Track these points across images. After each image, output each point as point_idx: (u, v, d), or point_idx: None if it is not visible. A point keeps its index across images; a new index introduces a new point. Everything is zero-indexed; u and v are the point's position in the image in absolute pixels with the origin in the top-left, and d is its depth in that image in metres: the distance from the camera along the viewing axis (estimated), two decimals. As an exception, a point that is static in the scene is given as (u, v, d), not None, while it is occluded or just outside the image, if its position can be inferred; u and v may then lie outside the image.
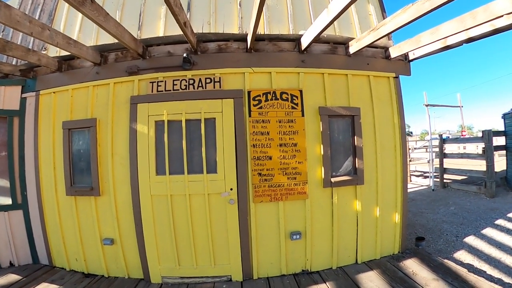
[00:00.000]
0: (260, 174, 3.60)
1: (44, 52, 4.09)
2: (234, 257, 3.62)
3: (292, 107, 3.68)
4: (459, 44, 3.55)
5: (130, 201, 3.66)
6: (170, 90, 3.67)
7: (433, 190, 8.99)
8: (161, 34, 3.96)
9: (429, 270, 3.48)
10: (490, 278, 3.53)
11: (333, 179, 3.69)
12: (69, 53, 3.62)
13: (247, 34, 3.57)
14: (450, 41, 3.52)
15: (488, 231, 5.10)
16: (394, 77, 4.10)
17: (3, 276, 3.75)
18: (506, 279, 3.52)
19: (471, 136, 25.41)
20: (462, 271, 3.41)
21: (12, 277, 3.73)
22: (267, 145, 3.62)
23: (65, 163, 3.87)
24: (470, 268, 3.80)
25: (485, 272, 3.72)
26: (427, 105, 11.73)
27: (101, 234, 3.80)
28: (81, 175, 3.89)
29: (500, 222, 5.53)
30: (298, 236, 3.62)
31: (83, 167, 3.88)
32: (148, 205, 3.61)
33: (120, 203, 3.73)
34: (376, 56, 4.08)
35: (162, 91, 3.68)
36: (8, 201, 4.10)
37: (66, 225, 3.95)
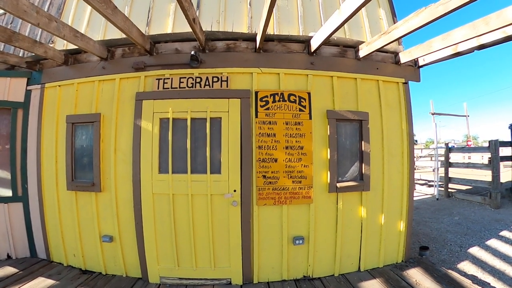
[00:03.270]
0: (264, 176, 3.55)
1: (51, 45, 4.07)
2: (234, 260, 3.56)
3: (300, 110, 3.63)
4: (471, 51, 3.51)
5: (131, 198, 3.61)
6: (176, 88, 3.64)
7: (437, 199, 8.92)
8: (169, 31, 3.96)
9: (432, 281, 3.42)
10: (495, 291, 3.47)
11: (338, 184, 3.63)
12: (76, 47, 3.62)
13: (257, 34, 3.54)
14: (462, 47, 3.47)
15: (493, 242, 5.04)
16: (404, 83, 4.04)
17: (0, 268, 3.74)
18: (511, 292, 3.45)
19: (477, 146, 25.29)
20: (466, 283, 3.36)
21: (9, 270, 3.72)
22: (273, 147, 3.57)
23: (67, 157, 3.85)
24: (474, 279, 3.74)
25: (489, 284, 3.66)
26: (433, 114, 11.68)
27: (100, 231, 3.77)
28: (83, 171, 3.86)
29: (504, 233, 5.46)
30: (301, 241, 3.56)
31: (85, 162, 3.85)
32: (149, 204, 3.56)
33: (121, 200, 3.69)
34: (386, 61, 4.03)
35: (168, 88, 3.65)
36: (8, 193, 4.10)
37: (66, 220, 3.93)
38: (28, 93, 4.19)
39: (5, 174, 4.13)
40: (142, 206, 3.57)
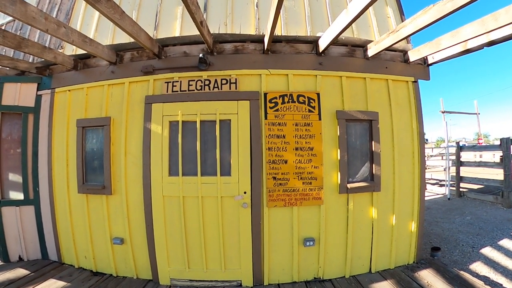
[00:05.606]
0: (275, 178, 3.53)
1: (60, 51, 4.11)
2: (245, 262, 3.56)
3: (309, 110, 3.61)
4: (480, 47, 3.44)
5: (142, 201, 3.64)
6: (185, 91, 3.65)
7: (448, 199, 8.79)
8: (177, 34, 3.97)
9: (444, 282, 3.37)
10: (507, 292, 3.42)
11: (349, 185, 3.61)
12: (85, 52, 3.67)
13: (264, 35, 3.54)
14: (471, 44, 3.41)
15: (505, 243, 4.94)
16: (413, 82, 3.99)
17: (12, 270, 3.81)
18: (525, 294, 3.39)
19: (488, 144, 25.00)
20: (479, 284, 3.31)
21: (21, 272, 3.78)
22: (282, 149, 3.56)
23: (78, 160, 3.89)
24: (486, 280, 3.68)
25: (501, 285, 3.60)
26: (443, 112, 11.54)
27: (111, 233, 3.80)
28: (94, 174, 3.90)
29: (517, 233, 5.35)
30: (311, 243, 3.53)
31: (96, 166, 3.89)
32: (159, 206, 3.58)
33: (131, 202, 3.71)
34: (395, 60, 3.99)
35: (177, 91, 3.66)
36: (20, 196, 4.16)
37: (77, 223, 3.97)
38: (38, 98, 4.24)
39: (17, 178, 4.19)
40: (153, 208, 3.59)
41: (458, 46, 3.50)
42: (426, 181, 11.05)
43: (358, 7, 2.58)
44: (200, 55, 3.56)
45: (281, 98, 3.60)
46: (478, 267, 4.12)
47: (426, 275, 3.56)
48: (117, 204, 3.75)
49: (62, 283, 3.52)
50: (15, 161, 4.20)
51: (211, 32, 3.61)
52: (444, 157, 10.63)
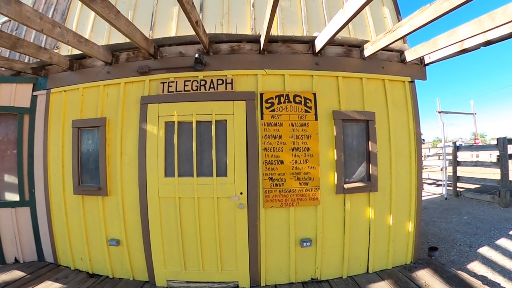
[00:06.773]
0: (271, 178, 3.52)
1: (56, 51, 4.09)
2: (242, 263, 3.54)
3: (306, 111, 3.61)
4: (477, 47, 3.45)
5: (138, 202, 3.62)
6: (181, 91, 3.64)
7: (445, 198, 8.80)
8: (173, 35, 3.97)
9: (442, 282, 3.37)
10: (505, 291, 3.42)
11: (346, 186, 3.60)
12: (80, 52, 3.64)
13: (260, 35, 3.53)
14: (468, 44, 3.42)
15: (502, 242, 4.94)
16: (410, 82, 4.00)
17: (8, 272, 3.78)
18: (522, 293, 3.39)
19: (485, 144, 25.09)
20: (476, 284, 3.31)
21: (17, 274, 3.75)
22: (279, 149, 3.54)
23: (74, 162, 3.86)
24: (484, 280, 3.67)
25: (499, 284, 3.58)
26: (440, 112, 11.57)
27: (107, 234, 3.78)
28: (89, 175, 3.87)
29: (514, 232, 5.35)
30: (308, 243, 3.52)
31: (92, 167, 3.86)
32: (155, 207, 3.56)
33: (127, 204, 3.69)
34: (391, 60, 3.99)
35: (173, 91, 3.64)
36: (15, 197, 4.13)
37: (73, 224, 3.94)
38: (34, 99, 4.21)
39: (12, 179, 4.16)
40: (149, 209, 3.57)
41: (455, 46, 3.50)
42: (423, 181, 11.09)
43: (354, 6, 2.57)
44: (196, 55, 3.54)
45: (277, 98, 3.59)
46: (476, 266, 4.12)
47: (424, 275, 3.56)
48: (113, 205, 3.73)
49: (58, 285, 3.50)
50: (10, 162, 4.17)
51: (207, 32, 3.59)
52: (441, 157, 10.67)
